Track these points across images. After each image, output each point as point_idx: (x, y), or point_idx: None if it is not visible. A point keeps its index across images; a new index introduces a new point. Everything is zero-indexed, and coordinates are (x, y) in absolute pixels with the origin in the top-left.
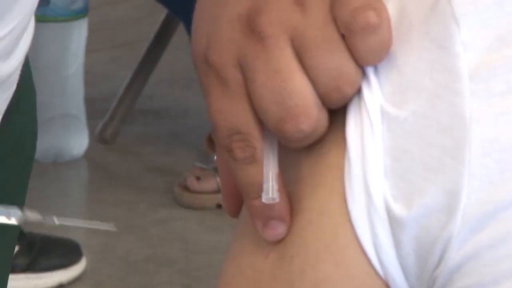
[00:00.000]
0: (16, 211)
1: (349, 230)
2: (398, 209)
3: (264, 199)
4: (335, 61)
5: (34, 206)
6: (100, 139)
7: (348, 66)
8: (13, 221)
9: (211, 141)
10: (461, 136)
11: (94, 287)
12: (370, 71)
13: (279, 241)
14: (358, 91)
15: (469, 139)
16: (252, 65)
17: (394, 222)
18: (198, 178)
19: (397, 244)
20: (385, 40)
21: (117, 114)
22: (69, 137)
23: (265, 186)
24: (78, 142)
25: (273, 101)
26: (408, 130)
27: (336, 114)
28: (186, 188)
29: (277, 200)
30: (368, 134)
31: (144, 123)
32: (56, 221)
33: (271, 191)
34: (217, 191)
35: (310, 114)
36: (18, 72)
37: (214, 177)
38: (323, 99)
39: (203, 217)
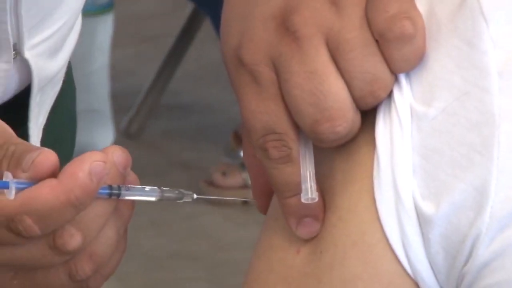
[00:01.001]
0: (155, 188)
1: (377, 228)
2: (427, 207)
3: (303, 199)
4: (370, 65)
5: None
6: (126, 134)
7: (382, 71)
8: (152, 198)
9: (237, 136)
10: (490, 133)
11: (118, 282)
12: (401, 82)
13: (311, 238)
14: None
15: (498, 136)
16: (287, 65)
17: (423, 220)
18: (224, 174)
19: (426, 242)
20: (419, 49)
21: (143, 109)
22: (94, 132)
23: (304, 186)
24: (103, 137)
25: (308, 102)
26: (437, 128)
27: (366, 113)
28: (212, 184)
29: (317, 199)
30: (397, 133)
31: (170, 119)
32: (195, 196)
33: (310, 191)
34: (243, 186)
35: (346, 116)
36: (64, 70)
37: (240, 173)
38: (357, 102)
39: (228, 213)
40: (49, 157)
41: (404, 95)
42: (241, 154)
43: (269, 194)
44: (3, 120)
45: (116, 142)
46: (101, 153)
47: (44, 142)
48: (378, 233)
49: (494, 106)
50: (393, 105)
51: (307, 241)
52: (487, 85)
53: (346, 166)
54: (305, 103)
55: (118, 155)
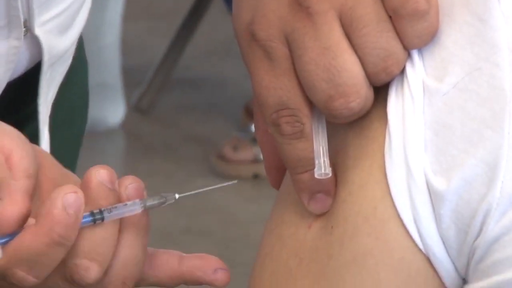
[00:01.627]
0: (136, 202)
1: (389, 204)
2: (438, 183)
3: (317, 174)
4: (383, 41)
5: None
6: (137, 109)
7: (395, 47)
8: (137, 211)
9: (248, 111)
10: (501, 108)
11: None
12: (413, 57)
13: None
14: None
15: (509, 111)
16: (301, 41)
17: (434, 196)
18: (235, 148)
19: (438, 218)
20: (432, 26)
21: (154, 84)
22: (105, 107)
23: (317, 161)
24: (114, 112)
25: (322, 78)
26: (449, 104)
27: (378, 88)
28: (223, 158)
29: (330, 175)
30: (409, 108)
31: (181, 93)
32: (177, 196)
33: (323, 167)
34: (254, 161)
35: (359, 92)
36: (74, 46)
37: (251, 147)
38: (370, 78)
39: (240, 187)
40: (6, 210)
41: (417, 71)
42: (253, 128)
43: (281, 169)
44: (13, 96)
45: (127, 117)
46: (71, 185)
47: (55, 119)
48: (390, 208)
49: (505, 81)
50: (405, 80)
51: (318, 216)
52: (498, 60)
53: (358, 141)
54: (319, 79)
55: (101, 173)
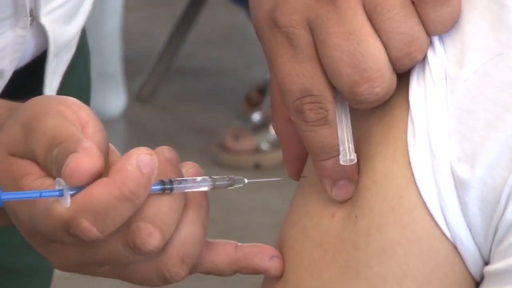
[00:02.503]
0: (206, 178)
1: (414, 192)
2: (462, 170)
3: (342, 161)
4: (408, 26)
5: None
6: (138, 97)
7: (419, 32)
8: (204, 188)
9: (249, 100)
10: None
11: None
12: (435, 45)
13: (345, 201)
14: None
15: None
16: (325, 26)
17: (459, 183)
18: (236, 138)
19: (463, 205)
20: (455, 12)
21: (155, 73)
22: (106, 96)
23: (342, 148)
24: (115, 101)
25: (347, 63)
26: (471, 90)
27: (399, 74)
28: (224, 148)
29: (355, 161)
30: (431, 95)
31: (182, 82)
32: (246, 181)
33: (348, 153)
34: (255, 150)
35: (384, 77)
36: (78, 36)
37: (252, 137)
38: (393, 63)
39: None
40: (81, 162)
41: (438, 57)
42: (253, 118)
43: (301, 159)
44: (19, 85)
45: (129, 105)
46: (146, 148)
47: None
48: (415, 197)
49: None
50: (427, 67)
51: (341, 204)
52: None
53: (380, 128)
54: (343, 64)
55: (168, 151)
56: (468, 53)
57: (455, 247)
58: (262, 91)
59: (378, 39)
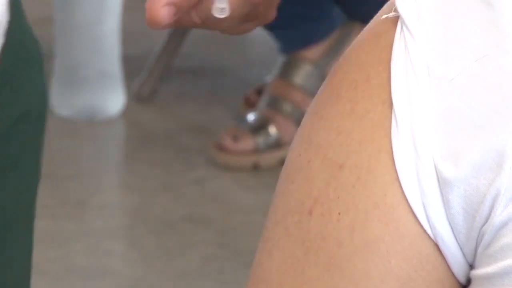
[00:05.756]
0: None
1: (397, 189)
2: (446, 169)
3: (215, 10)
4: None
5: (70, 165)
6: (137, 97)
7: None
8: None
9: (248, 100)
10: (509, 94)
11: (130, 246)
12: (415, 28)
13: (320, 195)
14: (404, 48)
15: None
16: None
17: (442, 182)
18: (234, 138)
19: (446, 204)
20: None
21: (155, 72)
22: (105, 95)
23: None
24: (114, 100)
25: None
26: (457, 89)
27: (377, 71)
28: (222, 148)
29: (227, 13)
30: (415, 92)
31: (182, 82)
32: None
33: (224, 3)
34: (254, 151)
35: None
36: (3, 25)
37: (251, 137)
38: None
39: (239, 177)
40: None
41: (421, 52)
42: (249, 117)
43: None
44: None
45: (128, 105)
46: None
47: (11, 112)
48: (399, 194)
49: None
50: (408, 61)
51: (318, 200)
52: (506, 46)
53: (362, 125)
54: None
55: None
56: (454, 51)
57: (437, 246)
58: (260, 92)
59: None
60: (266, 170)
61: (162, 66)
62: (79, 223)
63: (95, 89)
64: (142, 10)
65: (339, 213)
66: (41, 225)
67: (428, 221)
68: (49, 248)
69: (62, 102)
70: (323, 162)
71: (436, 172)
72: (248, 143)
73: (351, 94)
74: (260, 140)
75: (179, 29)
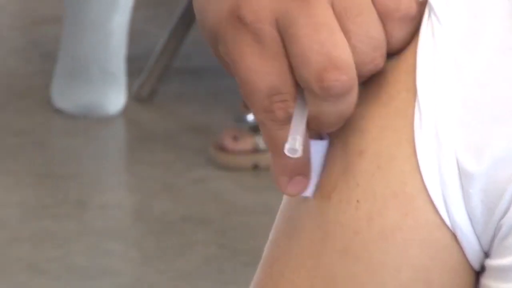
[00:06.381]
0: None
1: (418, 179)
2: (468, 161)
3: (287, 149)
4: (376, 31)
5: (70, 165)
6: (137, 97)
7: (384, 41)
8: None
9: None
10: None
11: (130, 246)
12: (443, 14)
13: (339, 181)
14: (432, 35)
15: None
16: (295, 20)
17: (464, 174)
18: (235, 138)
19: (466, 196)
20: (414, 33)
21: (155, 73)
22: (107, 95)
23: (291, 138)
24: (115, 100)
25: (317, 51)
26: (481, 81)
27: (404, 57)
28: (222, 148)
29: (299, 153)
30: (440, 82)
31: (182, 82)
32: None
33: (296, 143)
34: (254, 151)
35: (351, 70)
36: None
37: (251, 137)
38: (358, 68)
39: (239, 177)
40: None
41: (448, 41)
42: (249, 118)
43: None
44: None
45: (127, 105)
46: None
47: None
48: (419, 184)
49: None
50: (436, 50)
51: (337, 186)
52: None
53: (385, 111)
54: (313, 52)
55: None
56: (479, 41)
57: (455, 236)
58: None
59: (345, 39)
60: (266, 170)
61: (162, 66)
62: (79, 223)
63: (97, 86)
64: (142, 10)
65: (357, 201)
66: (41, 225)
67: (447, 212)
68: (49, 248)
69: (63, 96)
70: (343, 147)
71: (458, 164)
72: (248, 143)
73: (377, 79)
74: (260, 140)
75: (179, 29)
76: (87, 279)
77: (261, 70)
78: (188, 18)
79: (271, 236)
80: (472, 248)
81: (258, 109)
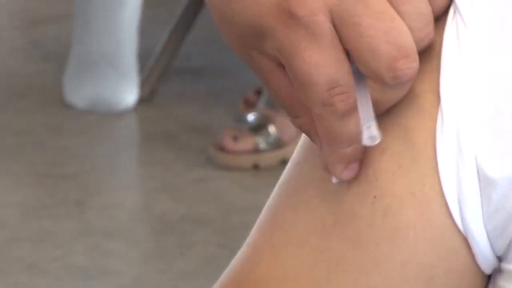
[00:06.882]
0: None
1: (436, 182)
2: (491, 166)
3: (366, 138)
4: (425, 6)
5: (70, 165)
6: (137, 97)
7: (431, 13)
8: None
9: (246, 101)
10: None
11: (129, 246)
12: (468, 15)
13: (361, 175)
14: (456, 36)
15: None
16: (353, 9)
17: (485, 180)
18: (235, 138)
19: (486, 202)
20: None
21: (154, 73)
22: (118, 87)
23: (365, 126)
24: (128, 93)
25: (385, 40)
26: (506, 87)
27: (429, 56)
28: (222, 148)
29: (379, 139)
30: (464, 85)
31: (181, 82)
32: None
33: (374, 131)
34: (254, 151)
35: (416, 54)
36: None
37: (251, 137)
38: (415, 44)
39: (239, 177)
40: None
41: (473, 43)
42: (248, 118)
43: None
44: None
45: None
46: None
47: None
48: (437, 186)
49: None
50: (460, 52)
51: (356, 178)
52: None
53: (410, 111)
54: (381, 42)
55: None
56: (505, 46)
57: (466, 240)
58: (260, 92)
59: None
60: (266, 170)
61: (162, 66)
62: (79, 223)
63: (107, 81)
64: (142, 10)
65: (374, 196)
66: (41, 225)
67: (461, 216)
68: (49, 248)
69: (73, 91)
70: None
71: (478, 169)
72: (248, 143)
73: None
74: (260, 140)
75: (179, 29)
76: (87, 279)
77: (320, 63)
78: (188, 18)
79: (272, 199)
80: (482, 252)
81: (316, 103)
